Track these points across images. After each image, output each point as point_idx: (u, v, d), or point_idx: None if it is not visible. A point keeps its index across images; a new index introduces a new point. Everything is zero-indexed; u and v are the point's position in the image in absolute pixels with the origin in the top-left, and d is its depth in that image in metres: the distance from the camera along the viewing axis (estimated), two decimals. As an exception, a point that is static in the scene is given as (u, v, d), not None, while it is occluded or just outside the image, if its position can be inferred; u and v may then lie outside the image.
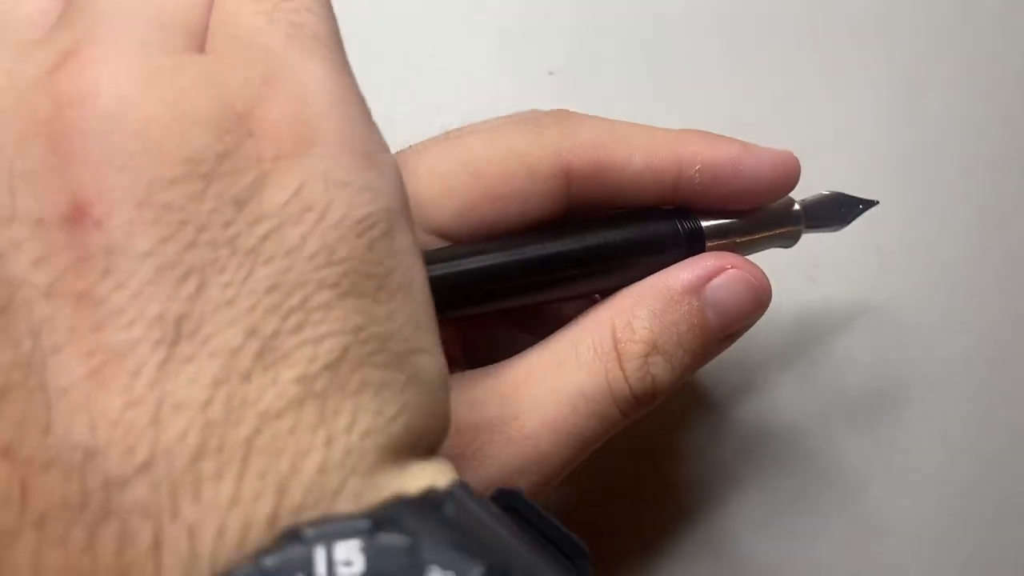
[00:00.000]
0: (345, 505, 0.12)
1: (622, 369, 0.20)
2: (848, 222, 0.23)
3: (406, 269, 0.14)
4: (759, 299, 0.21)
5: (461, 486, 0.13)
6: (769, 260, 0.29)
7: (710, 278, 0.21)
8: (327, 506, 0.12)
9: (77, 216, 0.12)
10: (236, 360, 0.12)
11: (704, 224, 0.21)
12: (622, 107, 0.29)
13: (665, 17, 0.30)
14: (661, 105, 0.29)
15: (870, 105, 0.30)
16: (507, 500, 0.14)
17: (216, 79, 0.13)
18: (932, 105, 0.30)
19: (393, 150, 0.20)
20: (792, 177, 0.21)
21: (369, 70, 0.31)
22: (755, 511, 0.28)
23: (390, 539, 0.11)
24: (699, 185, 0.20)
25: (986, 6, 0.30)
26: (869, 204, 0.23)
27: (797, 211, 0.22)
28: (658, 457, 0.28)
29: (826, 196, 0.23)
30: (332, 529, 0.11)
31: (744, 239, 0.22)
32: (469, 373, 0.20)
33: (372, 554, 0.11)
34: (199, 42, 0.14)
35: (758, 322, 0.29)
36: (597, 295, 0.21)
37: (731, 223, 0.22)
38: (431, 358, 0.14)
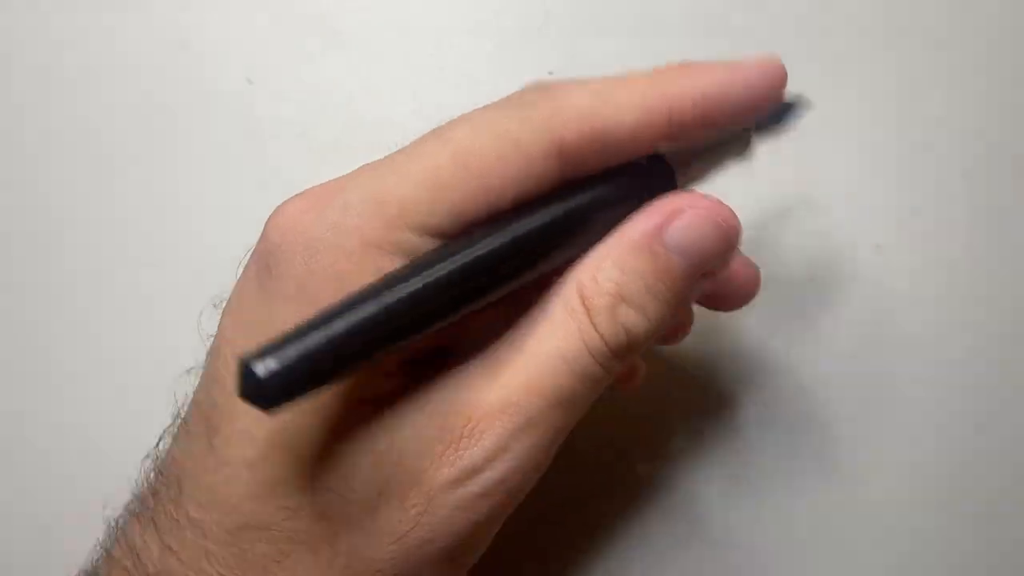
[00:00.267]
0: None
1: (593, 324, 0.19)
2: (786, 121, 0.23)
3: None
4: (725, 236, 0.21)
5: None
6: (770, 259, 0.30)
7: (669, 222, 0.20)
8: None
9: None
10: None
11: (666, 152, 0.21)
12: (622, 107, 0.30)
13: (665, 17, 0.30)
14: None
15: (870, 105, 0.30)
16: None
17: None
18: (932, 105, 0.30)
19: (392, 150, 0.20)
20: (781, 78, 0.21)
21: (369, 70, 0.31)
22: (756, 511, 0.28)
23: None
24: (693, 120, 0.20)
25: (986, 6, 0.30)
26: (803, 105, 0.23)
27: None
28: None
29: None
30: None
31: (700, 158, 0.22)
32: (471, 363, 0.20)
33: None
34: None
35: (759, 321, 0.29)
36: None
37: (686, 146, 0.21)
38: None
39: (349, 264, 0.19)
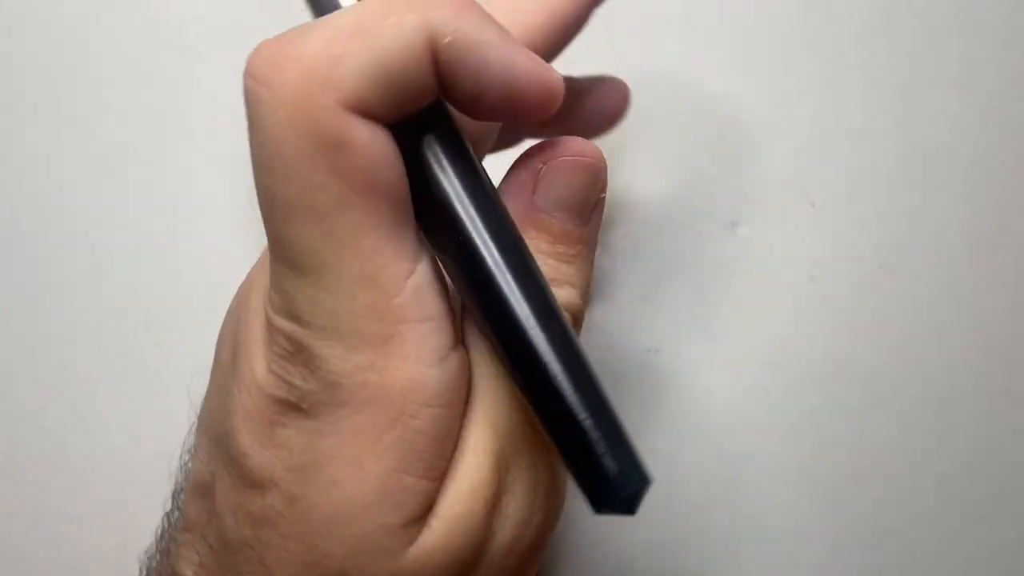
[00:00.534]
0: None
1: None
2: None
3: None
4: (591, 168, 0.20)
5: None
6: (771, 258, 0.30)
7: (534, 188, 0.19)
8: None
9: None
10: None
11: None
12: (622, 107, 0.30)
13: (665, 16, 0.30)
14: (662, 104, 0.29)
15: (870, 105, 0.30)
16: None
17: None
18: (932, 105, 0.30)
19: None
20: (547, 100, 0.18)
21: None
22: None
23: None
24: (445, 63, 0.17)
25: (986, 6, 0.30)
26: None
27: None
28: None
29: None
30: None
31: None
32: None
33: None
34: None
35: (758, 321, 0.29)
36: None
37: None
38: None
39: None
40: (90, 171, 0.30)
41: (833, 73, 0.30)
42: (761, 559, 0.28)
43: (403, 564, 0.17)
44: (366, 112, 0.16)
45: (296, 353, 0.17)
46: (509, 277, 0.17)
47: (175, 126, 0.30)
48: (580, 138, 0.20)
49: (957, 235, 0.30)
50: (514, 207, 0.19)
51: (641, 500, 0.17)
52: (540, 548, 0.20)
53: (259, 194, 0.17)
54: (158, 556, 0.21)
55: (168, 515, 0.21)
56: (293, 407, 0.17)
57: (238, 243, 0.29)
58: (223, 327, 0.21)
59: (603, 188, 0.21)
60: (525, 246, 0.18)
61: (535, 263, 0.18)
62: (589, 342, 0.28)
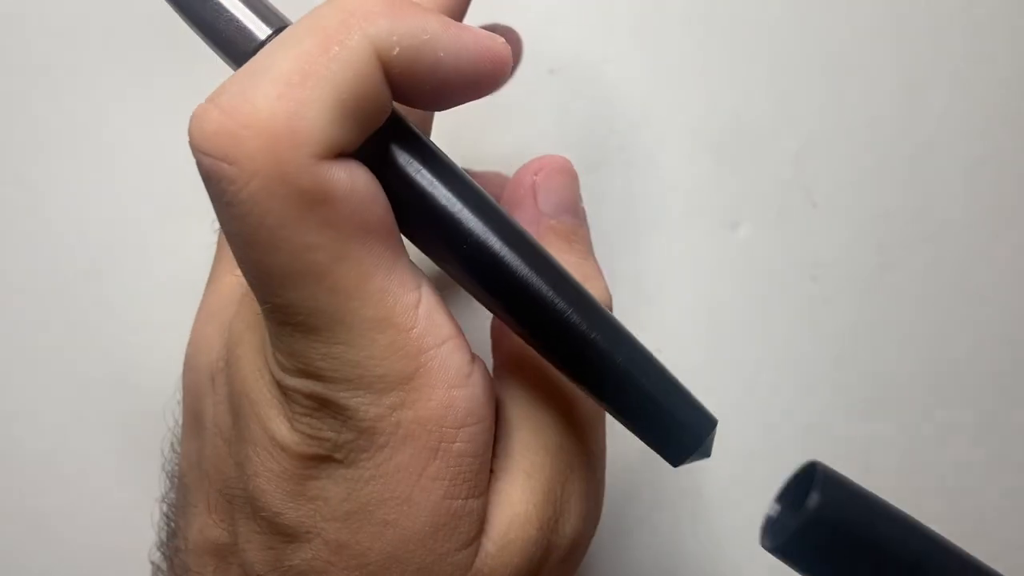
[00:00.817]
0: None
1: None
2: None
3: None
4: (570, 171, 0.22)
5: None
6: (770, 259, 0.30)
7: (536, 200, 0.21)
8: None
9: None
10: None
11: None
12: (622, 106, 0.30)
13: (665, 16, 0.30)
14: (661, 104, 0.29)
15: (871, 105, 0.30)
16: None
17: None
18: (933, 104, 0.30)
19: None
20: (500, 70, 0.18)
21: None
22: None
23: None
24: (399, 73, 0.16)
25: (987, 5, 0.30)
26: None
27: None
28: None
29: None
30: None
31: None
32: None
33: None
34: None
35: (757, 320, 0.29)
36: None
37: None
38: None
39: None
40: (90, 171, 0.30)
41: (833, 73, 0.30)
42: (760, 559, 0.28)
43: None
44: (338, 153, 0.16)
45: (321, 408, 0.17)
46: (542, 274, 0.17)
47: (175, 126, 0.30)
48: (549, 154, 0.22)
49: (957, 235, 0.30)
50: (523, 219, 0.20)
51: (713, 441, 0.18)
52: (585, 552, 0.21)
53: (244, 267, 0.16)
54: None
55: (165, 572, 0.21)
56: (325, 459, 0.17)
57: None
58: (187, 390, 0.21)
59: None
60: (526, 233, 0.18)
61: (547, 251, 0.18)
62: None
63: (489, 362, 0.20)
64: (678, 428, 0.18)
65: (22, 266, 0.29)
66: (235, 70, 0.18)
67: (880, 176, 0.30)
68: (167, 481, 0.22)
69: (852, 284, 0.29)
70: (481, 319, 0.20)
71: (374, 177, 0.16)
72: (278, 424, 0.17)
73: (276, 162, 0.15)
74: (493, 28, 0.26)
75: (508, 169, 0.28)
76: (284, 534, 0.18)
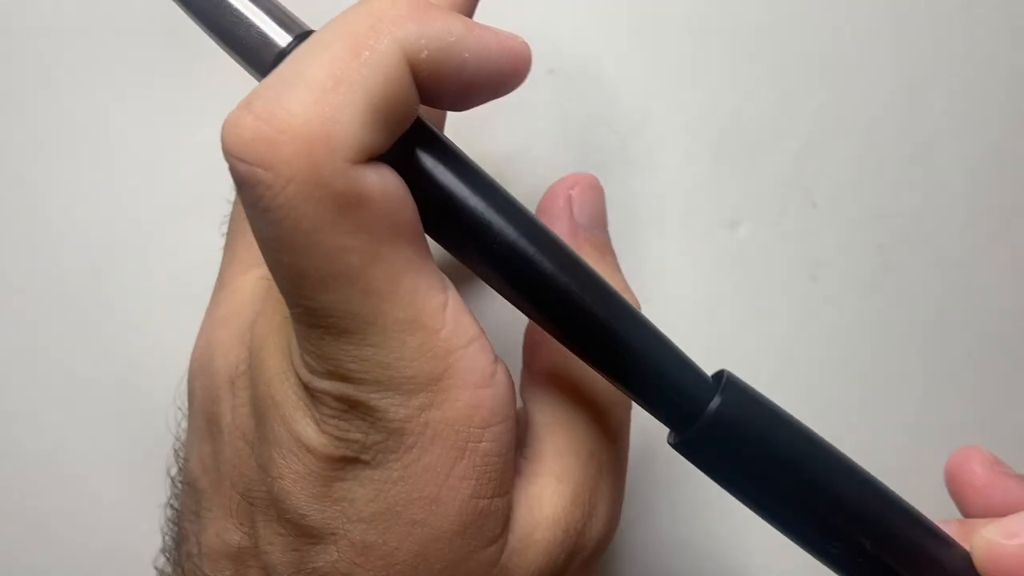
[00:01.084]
0: None
1: None
2: None
3: None
4: (598, 186, 0.23)
5: None
6: (770, 259, 0.30)
7: (573, 212, 0.22)
8: None
9: None
10: None
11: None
12: (622, 106, 0.30)
13: (665, 15, 0.30)
14: (661, 104, 0.29)
15: (871, 104, 0.30)
16: None
17: None
18: (933, 104, 0.30)
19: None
20: (523, 69, 0.18)
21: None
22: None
23: None
24: (427, 75, 0.16)
25: (987, 5, 0.30)
26: None
27: None
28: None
29: None
30: None
31: None
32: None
33: None
34: None
35: (759, 321, 0.29)
36: None
37: None
38: None
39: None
40: (89, 170, 0.30)
41: (833, 73, 0.30)
42: (760, 560, 0.28)
43: None
44: (369, 156, 0.16)
45: (349, 410, 0.17)
46: (573, 271, 0.18)
47: (176, 126, 0.30)
48: (580, 172, 0.23)
49: (957, 235, 0.30)
50: (559, 230, 0.21)
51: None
52: (605, 553, 0.21)
53: (277, 271, 0.17)
54: None
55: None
56: (352, 461, 0.17)
57: (238, 243, 0.29)
58: (199, 393, 0.21)
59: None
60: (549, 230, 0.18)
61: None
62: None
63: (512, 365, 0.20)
64: (693, 411, 0.18)
65: (22, 266, 0.29)
66: (258, 78, 0.18)
67: (880, 176, 0.30)
68: (172, 486, 0.22)
69: (852, 284, 0.29)
70: (495, 318, 0.20)
71: (402, 180, 0.17)
72: (304, 426, 0.18)
73: (312, 167, 0.15)
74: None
75: (509, 170, 0.28)
76: (309, 536, 0.18)
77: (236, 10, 0.18)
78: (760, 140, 0.29)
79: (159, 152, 0.30)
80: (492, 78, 0.18)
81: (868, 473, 0.19)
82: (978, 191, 0.30)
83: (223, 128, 0.16)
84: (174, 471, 0.22)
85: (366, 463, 0.17)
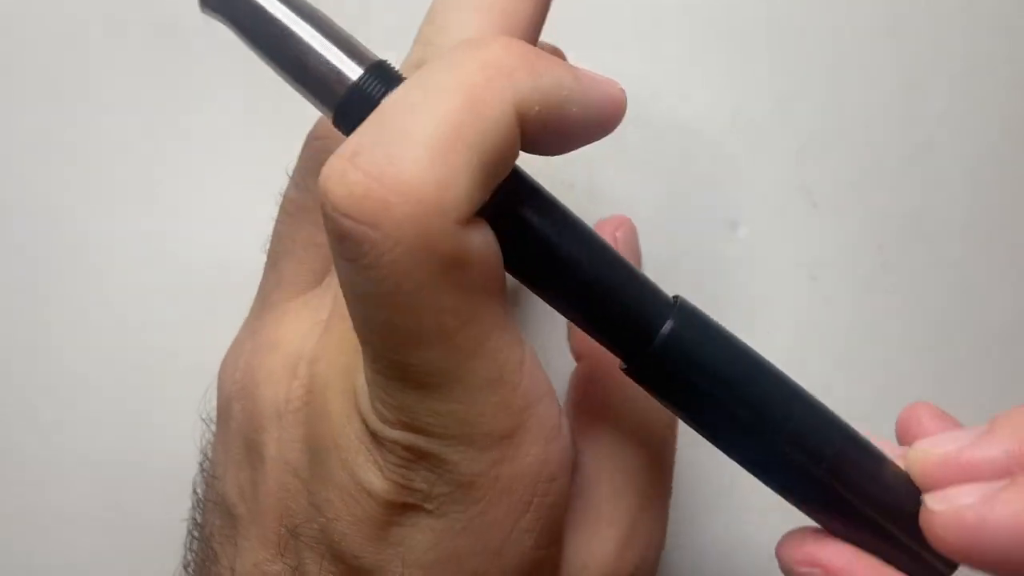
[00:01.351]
0: None
1: None
2: None
3: None
4: (635, 232, 0.26)
5: None
6: (771, 258, 0.30)
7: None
8: None
9: None
10: None
11: None
12: (622, 107, 0.30)
13: (665, 15, 0.30)
14: (661, 104, 0.29)
15: (870, 105, 0.30)
16: None
17: None
18: (933, 104, 0.30)
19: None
20: (620, 116, 0.18)
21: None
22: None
23: None
24: (533, 129, 0.16)
25: (987, 5, 0.30)
26: None
27: None
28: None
29: None
30: None
31: None
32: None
33: None
34: None
35: (759, 321, 0.29)
36: None
37: None
38: None
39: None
40: (90, 170, 0.30)
41: (833, 73, 0.30)
42: (760, 560, 0.28)
43: None
44: (474, 215, 0.15)
45: (417, 460, 0.17)
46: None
47: (175, 126, 0.30)
48: (620, 214, 0.25)
49: (957, 235, 0.30)
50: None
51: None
52: None
53: (367, 325, 0.16)
54: None
55: None
56: (413, 508, 0.17)
57: (238, 243, 0.29)
58: (239, 417, 0.20)
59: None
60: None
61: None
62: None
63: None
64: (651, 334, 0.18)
65: (22, 266, 0.29)
66: (324, 111, 0.18)
67: (880, 176, 0.30)
68: (199, 503, 0.22)
69: (852, 284, 0.29)
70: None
71: (495, 236, 0.16)
72: (367, 471, 0.17)
73: (423, 230, 0.15)
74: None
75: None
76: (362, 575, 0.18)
77: (302, 41, 0.17)
78: (760, 140, 0.29)
79: (160, 152, 0.30)
80: (592, 127, 0.18)
81: (815, 398, 0.19)
82: (978, 191, 0.30)
83: (325, 181, 0.15)
84: (202, 489, 0.22)
85: (428, 512, 0.17)
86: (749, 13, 0.30)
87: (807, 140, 0.30)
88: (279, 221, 0.22)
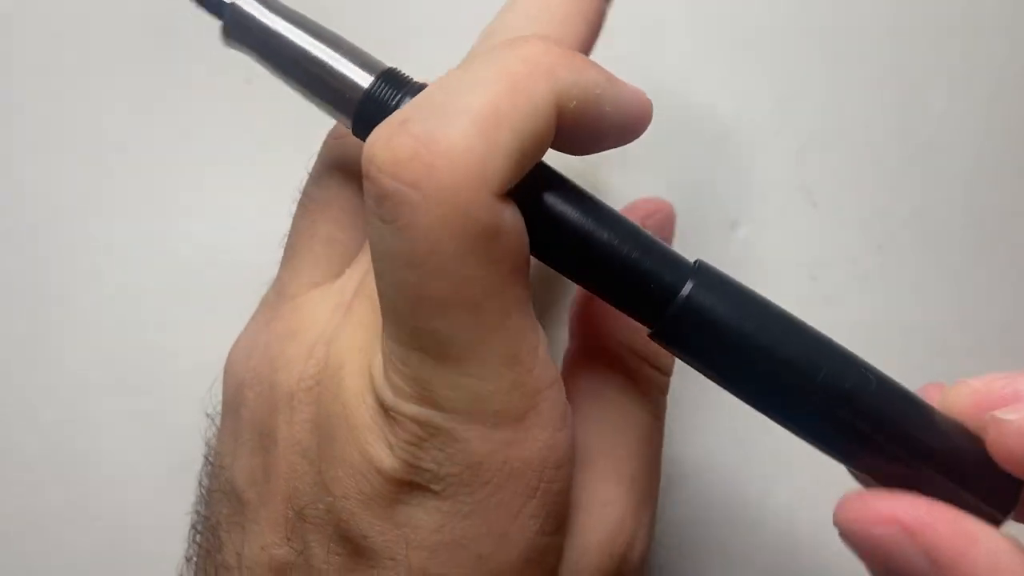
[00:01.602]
0: None
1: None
2: None
3: None
4: (672, 216, 0.26)
5: None
6: (771, 258, 0.30)
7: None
8: None
9: None
10: None
11: None
12: (622, 107, 0.30)
13: (665, 15, 0.30)
14: (661, 104, 0.29)
15: (870, 104, 0.30)
16: None
17: None
18: (933, 104, 0.30)
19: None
20: (646, 124, 0.20)
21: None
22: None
23: None
24: (569, 123, 0.17)
25: (987, 5, 0.30)
26: None
27: None
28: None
29: None
30: None
31: None
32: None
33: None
34: None
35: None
36: None
37: None
38: None
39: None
40: (91, 170, 0.30)
41: (833, 73, 0.30)
42: (760, 560, 0.28)
43: None
44: (507, 192, 0.16)
45: (428, 438, 0.17)
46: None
47: (175, 126, 0.30)
48: (655, 198, 0.26)
49: (957, 235, 0.30)
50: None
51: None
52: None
53: (395, 288, 0.17)
54: None
55: None
56: (420, 488, 0.17)
57: (238, 243, 0.29)
58: (253, 404, 0.20)
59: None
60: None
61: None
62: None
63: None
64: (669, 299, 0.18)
65: (22, 266, 0.29)
66: (340, 119, 0.20)
67: (880, 176, 0.30)
68: (203, 495, 0.22)
69: (852, 284, 0.29)
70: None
71: (521, 216, 0.17)
72: (378, 449, 0.18)
73: (463, 196, 0.15)
74: None
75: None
76: (367, 557, 0.18)
77: (319, 59, 0.19)
78: (760, 140, 0.30)
79: (160, 152, 0.30)
80: (621, 131, 0.19)
81: (842, 346, 0.19)
82: (978, 191, 0.30)
83: (371, 146, 0.16)
84: (208, 480, 0.22)
85: (435, 493, 0.17)
86: (750, 13, 0.30)
87: (807, 140, 0.30)
88: (298, 216, 0.23)
